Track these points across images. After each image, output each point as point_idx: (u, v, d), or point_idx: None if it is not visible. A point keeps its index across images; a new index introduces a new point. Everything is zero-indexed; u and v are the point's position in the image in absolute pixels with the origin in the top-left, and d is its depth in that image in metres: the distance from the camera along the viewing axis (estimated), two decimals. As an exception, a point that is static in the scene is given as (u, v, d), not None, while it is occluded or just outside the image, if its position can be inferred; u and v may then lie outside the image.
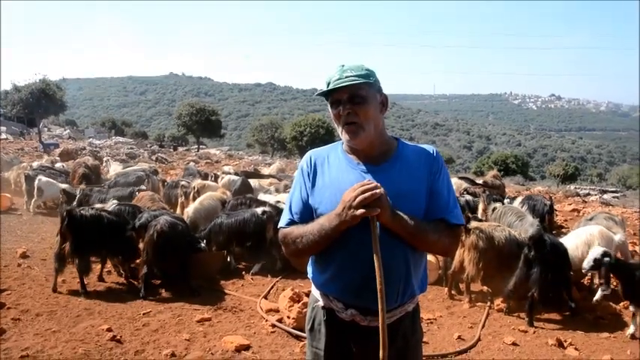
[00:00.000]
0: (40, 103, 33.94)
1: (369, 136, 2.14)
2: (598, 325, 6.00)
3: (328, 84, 2.14)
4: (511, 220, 7.89)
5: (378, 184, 2.00)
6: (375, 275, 1.97)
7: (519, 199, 10.76)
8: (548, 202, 9.94)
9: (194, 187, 10.37)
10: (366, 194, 1.96)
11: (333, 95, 2.15)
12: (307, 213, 2.25)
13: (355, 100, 2.10)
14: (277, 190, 11.17)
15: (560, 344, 5.32)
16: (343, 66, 2.15)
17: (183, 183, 10.98)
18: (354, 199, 1.97)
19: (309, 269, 2.36)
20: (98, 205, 7.78)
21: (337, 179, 2.19)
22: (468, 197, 10.28)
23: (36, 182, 11.27)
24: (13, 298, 5.94)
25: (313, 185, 2.25)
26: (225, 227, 7.61)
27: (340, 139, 2.32)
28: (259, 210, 7.82)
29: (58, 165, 16.28)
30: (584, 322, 6.04)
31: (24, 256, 7.65)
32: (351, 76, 2.09)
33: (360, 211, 1.96)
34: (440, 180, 2.21)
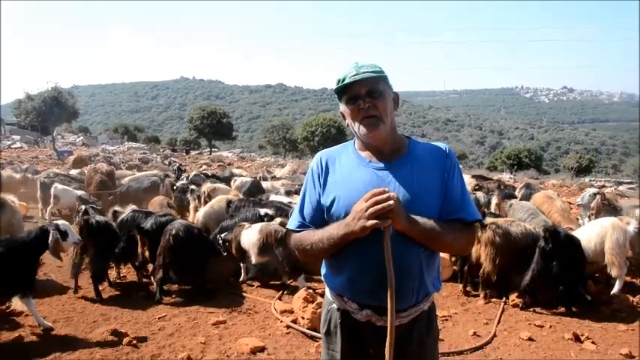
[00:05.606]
0: (52, 111, 34.23)
1: (387, 130, 2.13)
2: (615, 318, 5.93)
3: (343, 80, 2.12)
4: (523, 217, 7.84)
5: (392, 194, 1.96)
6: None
7: (519, 187, 11.92)
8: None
9: (204, 192, 10.37)
10: (378, 207, 1.92)
11: (349, 91, 2.13)
12: (318, 215, 2.24)
13: (374, 94, 2.09)
14: (289, 193, 10.92)
15: (577, 338, 5.26)
16: (357, 63, 2.14)
17: (192, 187, 10.99)
18: (366, 210, 1.94)
19: (323, 271, 2.34)
20: (117, 209, 7.87)
21: (349, 177, 2.17)
22: (478, 194, 10.25)
23: (52, 190, 11.34)
24: (30, 305, 5.99)
25: (325, 185, 2.23)
26: (229, 229, 7.58)
27: (352, 139, 2.32)
28: (262, 211, 7.66)
29: (73, 172, 16.35)
30: (600, 315, 5.97)
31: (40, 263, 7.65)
32: (368, 71, 2.09)
33: (371, 222, 1.93)
34: (453, 179, 2.18)
